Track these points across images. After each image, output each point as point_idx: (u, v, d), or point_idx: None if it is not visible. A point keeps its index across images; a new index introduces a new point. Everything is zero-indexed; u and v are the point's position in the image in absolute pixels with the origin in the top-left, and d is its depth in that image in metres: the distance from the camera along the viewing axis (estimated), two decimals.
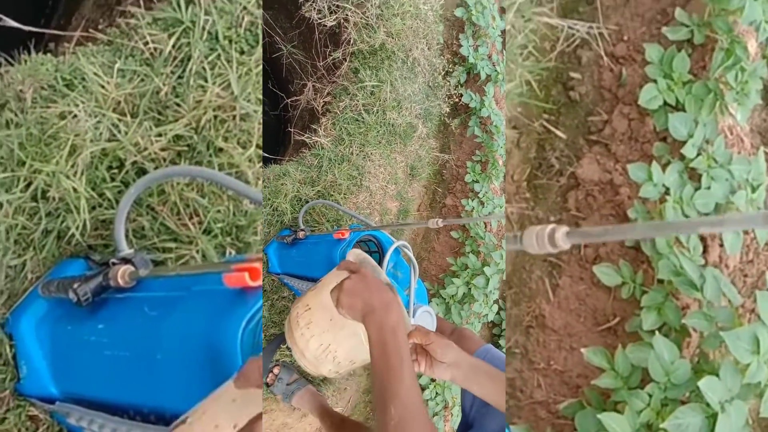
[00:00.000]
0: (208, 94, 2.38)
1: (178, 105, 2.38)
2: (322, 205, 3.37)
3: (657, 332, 3.19)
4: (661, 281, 3.39)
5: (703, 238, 3.59)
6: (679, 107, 3.46)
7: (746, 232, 3.67)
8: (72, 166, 2.16)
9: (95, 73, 2.30)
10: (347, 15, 3.58)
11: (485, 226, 4.35)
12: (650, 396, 3.09)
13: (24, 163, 2.14)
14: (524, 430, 3.35)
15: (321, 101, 3.69)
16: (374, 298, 1.59)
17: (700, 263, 3.40)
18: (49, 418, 2.15)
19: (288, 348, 3.06)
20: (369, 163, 3.62)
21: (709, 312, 3.23)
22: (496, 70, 4.43)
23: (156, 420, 1.68)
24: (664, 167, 3.45)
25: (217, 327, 1.52)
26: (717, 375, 3.04)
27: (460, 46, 4.37)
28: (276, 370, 3.23)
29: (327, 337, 1.78)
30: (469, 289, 4.05)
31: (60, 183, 2.13)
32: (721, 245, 3.53)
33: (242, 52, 2.52)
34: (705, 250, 3.58)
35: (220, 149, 2.41)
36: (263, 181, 3.15)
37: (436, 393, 3.94)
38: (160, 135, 2.33)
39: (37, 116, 2.21)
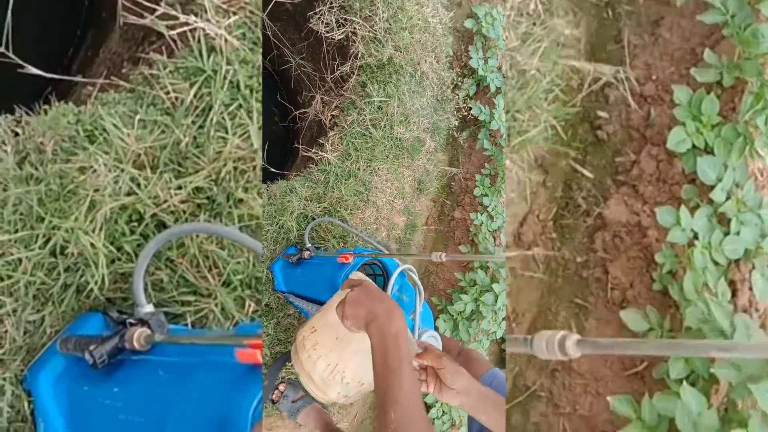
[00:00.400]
0: (228, 146, 2.37)
1: (197, 156, 2.37)
2: (328, 222, 3.35)
3: (684, 382, 3.13)
4: (689, 328, 3.33)
5: (732, 282, 3.53)
6: (708, 150, 3.40)
7: None
8: (91, 222, 2.15)
9: (115, 125, 2.30)
10: (355, 28, 3.57)
11: (494, 241, 4.31)
12: None
13: (43, 219, 2.14)
14: None
15: (329, 114, 3.69)
16: (377, 307, 1.62)
17: (729, 309, 3.34)
18: None
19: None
20: (376, 178, 3.61)
21: (738, 362, 3.17)
22: (506, 83, 4.40)
23: None
24: (692, 211, 3.39)
25: (230, 403, 1.50)
26: (746, 427, 2.98)
27: (469, 58, 4.34)
28: (282, 387, 3.22)
29: (333, 357, 1.80)
30: (478, 305, 4.01)
31: (79, 239, 2.12)
32: (750, 289, 3.47)
33: (262, 101, 2.51)
34: (734, 294, 3.53)
35: (240, 200, 2.40)
36: (269, 198, 3.15)
37: (443, 412, 3.92)
38: (180, 188, 2.32)
39: (57, 170, 2.21)
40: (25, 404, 2.10)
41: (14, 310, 2.12)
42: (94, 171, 2.21)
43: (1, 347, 2.10)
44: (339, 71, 3.74)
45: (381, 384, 1.46)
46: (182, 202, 2.33)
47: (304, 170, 3.52)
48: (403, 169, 3.86)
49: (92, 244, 2.14)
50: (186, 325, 2.31)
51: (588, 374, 3.56)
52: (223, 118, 2.40)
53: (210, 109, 2.43)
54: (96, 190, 2.18)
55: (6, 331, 2.11)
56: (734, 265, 3.51)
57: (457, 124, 4.32)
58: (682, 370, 3.31)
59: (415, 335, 2.14)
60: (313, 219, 3.29)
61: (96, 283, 2.17)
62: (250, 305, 2.39)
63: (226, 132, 2.39)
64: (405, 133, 3.73)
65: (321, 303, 2.69)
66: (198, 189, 2.36)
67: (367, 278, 2.00)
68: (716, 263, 3.41)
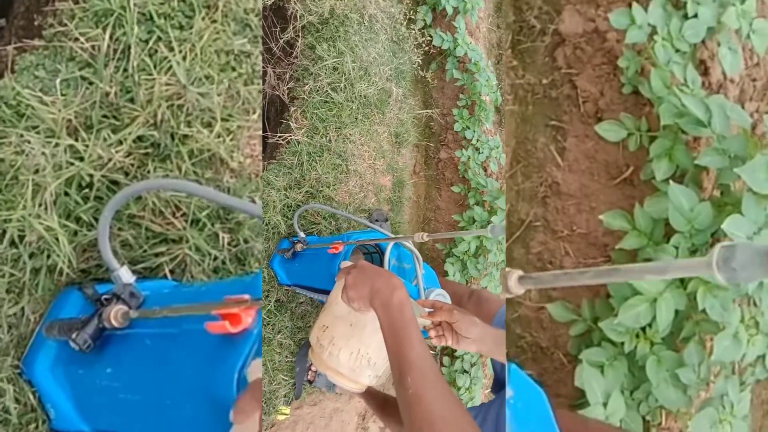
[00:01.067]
0: (157, 86, 2.29)
1: (131, 102, 2.30)
2: (312, 209, 3.29)
3: (671, 181, 3.12)
4: (666, 126, 3.30)
5: (702, 62, 3.47)
6: None
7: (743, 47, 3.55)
8: (40, 205, 2.11)
9: (38, 96, 2.22)
10: None
11: (485, 172, 4.24)
12: (677, 248, 3.06)
13: None
14: (561, 306, 3.35)
15: (284, 88, 3.50)
16: (377, 282, 1.65)
17: (701, 96, 3.29)
18: None
19: None
20: (350, 145, 3.49)
21: (721, 146, 3.15)
22: (463, 0, 4.20)
23: None
24: (645, 5, 3.30)
25: (212, 379, 1.50)
26: (740, 211, 2.99)
27: None
28: (314, 368, 3.31)
29: (354, 344, 1.81)
30: (481, 241, 3.99)
31: (32, 226, 2.08)
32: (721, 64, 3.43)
33: (181, 28, 2.40)
34: (706, 73, 3.48)
35: (185, 136, 2.34)
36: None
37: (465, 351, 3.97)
38: (120, 142, 2.26)
39: None
40: (30, 395, 2.11)
41: None
42: (29, 152, 2.14)
43: None
44: (283, 38, 3.54)
45: (394, 352, 1.50)
46: (127, 154, 2.28)
47: (275, 158, 3.38)
48: (376, 127, 3.72)
49: (48, 227, 2.11)
50: (165, 276, 2.30)
51: (578, 192, 3.55)
52: (144, 59, 2.31)
53: (129, 50, 2.34)
54: (36, 172, 2.12)
55: None
56: (700, 45, 3.44)
57: (420, 61, 4.14)
58: (667, 169, 3.30)
59: (423, 297, 2.21)
60: (299, 207, 3.21)
61: (64, 262, 2.14)
62: (224, 237, 2.37)
63: (151, 73, 2.31)
64: (368, 88, 3.57)
65: (326, 292, 2.72)
66: (139, 138, 2.30)
67: (362, 259, 2.00)
68: (680, 51, 3.35)
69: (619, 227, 3.22)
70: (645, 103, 3.49)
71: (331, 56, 3.41)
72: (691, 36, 3.32)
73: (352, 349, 1.81)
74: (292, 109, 3.43)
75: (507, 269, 1.14)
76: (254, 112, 2.50)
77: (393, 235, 2.33)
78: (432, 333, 1.83)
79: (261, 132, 2.54)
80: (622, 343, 3.10)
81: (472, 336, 1.83)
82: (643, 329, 3.08)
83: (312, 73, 3.44)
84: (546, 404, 1.58)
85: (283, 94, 3.51)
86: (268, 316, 3.02)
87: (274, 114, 3.81)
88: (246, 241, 2.43)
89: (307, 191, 3.28)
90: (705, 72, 3.46)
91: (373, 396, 3.26)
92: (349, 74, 3.48)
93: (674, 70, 3.28)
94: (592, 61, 3.55)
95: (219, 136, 2.40)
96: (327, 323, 1.87)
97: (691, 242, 3.05)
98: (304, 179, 3.27)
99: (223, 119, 2.41)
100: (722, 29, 3.38)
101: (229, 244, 2.39)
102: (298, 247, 2.84)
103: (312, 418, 3.28)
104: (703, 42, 3.41)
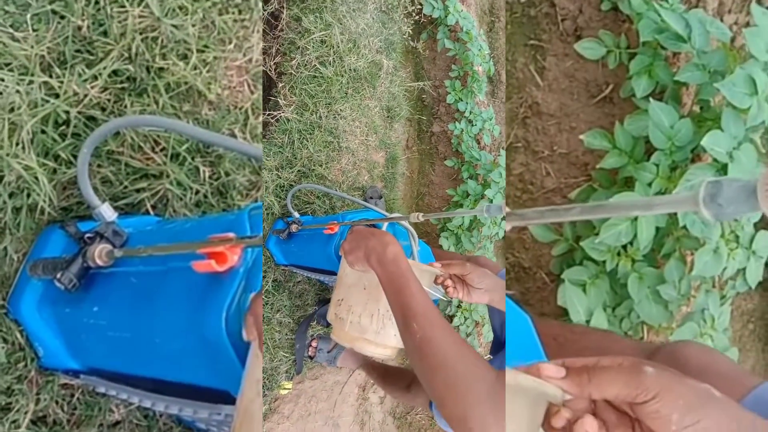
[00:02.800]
0: (130, 18, 2.24)
1: (104, 36, 2.26)
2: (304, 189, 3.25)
3: (651, 98, 3.12)
4: (646, 43, 3.29)
5: None
6: None
7: None
8: (17, 144, 2.08)
9: (6, 31, 2.17)
10: None
11: (478, 145, 4.19)
12: (657, 165, 3.07)
13: None
14: (543, 227, 3.37)
15: (271, 63, 3.41)
16: (370, 241, 1.70)
17: (680, 11, 3.27)
18: (81, 381, 2.20)
19: (325, 326, 3.15)
20: (341, 121, 3.42)
21: (700, 61, 3.14)
22: None
23: (179, 391, 1.71)
24: None
25: (201, 317, 1.51)
26: (719, 127, 2.99)
27: None
28: (314, 343, 3.36)
29: (372, 305, 1.84)
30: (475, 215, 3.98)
31: (10, 165, 2.06)
32: None
33: None
34: None
35: (161, 69, 2.31)
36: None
37: (465, 318, 3.99)
38: (95, 77, 2.22)
39: None
40: (17, 334, 2.12)
41: None
42: (3, 90, 2.11)
43: None
44: (267, 10, 3.42)
45: (396, 303, 1.52)
46: (103, 90, 2.24)
47: (264, 137, 3.29)
48: (367, 101, 3.63)
49: (26, 166, 2.09)
50: (147, 212, 2.29)
51: (558, 112, 3.55)
52: None
53: None
54: (11, 110, 2.09)
55: None
56: None
57: (410, 31, 4.03)
58: (647, 86, 3.30)
59: None
60: (291, 187, 3.17)
61: (44, 200, 2.13)
62: (205, 171, 2.35)
63: (124, 2, 2.26)
64: (357, 60, 3.48)
65: (323, 271, 2.77)
66: (115, 72, 2.27)
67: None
68: None
69: (600, 146, 3.23)
70: (624, 20, 3.47)
71: (318, 28, 3.33)
72: None
73: (372, 310, 1.83)
74: (280, 85, 3.36)
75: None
76: (230, 42, 2.46)
77: (389, 215, 2.33)
78: (448, 283, 1.84)
79: (238, 62, 2.50)
80: (604, 262, 3.14)
81: (484, 286, 1.85)
82: (624, 247, 3.11)
83: (299, 47, 3.36)
84: (531, 328, 1.60)
85: (270, 70, 3.43)
86: (266, 296, 3.04)
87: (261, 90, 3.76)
88: (227, 174, 2.41)
89: (299, 170, 3.25)
90: None
91: (374, 367, 3.36)
92: (338, 47, 3.41)
93: None
94: None
95: (195, 68, 2.36)
96: (341, 296, 1.90)
97: (671, 159, 3.06)
98: (296, 158, 3.24)
99: (198, 50, 2.37)
100: None
101: (210, 177, 2.37)
102: (294, 227, 2.84)
103: (314, 391, 3.33)
104: None
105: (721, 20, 3.45)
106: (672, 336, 3.16)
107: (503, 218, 4.09)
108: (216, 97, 2.41)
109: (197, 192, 2.35)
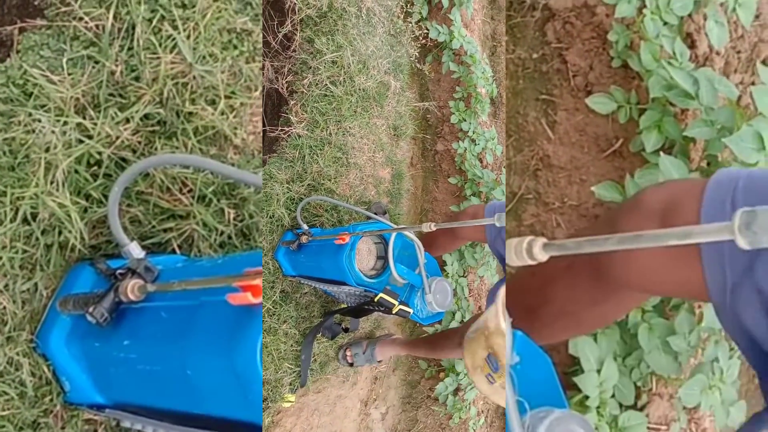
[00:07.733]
0: (162, 64, 2.32)
1: (136, 81, 2.34)
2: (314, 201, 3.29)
3: (661, 153, 3.18)
4: (655, 99, 3.36)
5: (689, 35, 3.53)
6: None
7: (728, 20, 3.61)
8: (52, 183, 2.15)
9: (45, 75, 2.25)
10: None
11: (480, 164, 4.27)
12: None
13: (5, 193, 2.13)
14: None
15: (284, 82, 3.51)
16: None
17: (689, 69, 3.35)
18: (105, 417, 2.23)
19: (330, 338, 3.19)
20: (350, 138, 3.49)
21: (708, 117, 3.21)
22: None
23: (206, 424, 1.74)
24: None
25: (234, 349, 1.55)
26: None
27: None
28: (349, 352, 3.40)
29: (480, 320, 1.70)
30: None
31: (45, 203, 2.12)
32: (707, 36, 3.49)
33: (184, 6, 2.43)
34: (693, 46, 3.54)
35: (190, 113, 2.38)
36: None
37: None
38: (128, 120, 2.29)
39: (3, 140, 2.18)
40: (45, 368, 2.16)
41: (5, 286, 2.14)
42: (40, 131, 2.18)
43: (4, 324, 2.14)
44: (281, 31, 3.54)
45: None
46: (134, 133, 2.31)
47: (275, 151, 3.38)
48: (375, 120, 3.72)
49: (60, 204, 2.15)
50: (173, 251, 2.35)
51: (569, 165, 3.61)
52: (149, 38, 2.35)
53: (134, 29, 2.37)
54: (47, 150, 2.16)
55: (5, 307, 2.14)
56: (687, 18, 3.50)
57: (417, 54, 4.14)
58: (656, 140, 3.36)
59: (426, 286, 2.32)
60: (301, 200, 3.23)
61: (75, 238, 2.19)
62: (229, 213, 2.41)
63: (156, 51, 2.34)
64: (367, 81, 3.57)
65: (333, 281, 2.79)
66: (146, 116, 2.34)
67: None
68: (668, 24, 3.41)
69: (611, 198, 3.28)
70: (634, 77, 3.55)
71: (330, 50, 3.42)
72: (680, 9, 3.39)
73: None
74: (292, 102, 3.42)
75: (530, 238, 1.18)
76: (256, 90, 2.54)
77: (400, 226, 2.37)
78: None
79: (262, 109, 2.58)
80: None
81: None
82: None
83: (311, 67, 3.44)
84: (552, 370, 1.63)
85: (281, 88, 3.52)
86: (273, 307, 3.06)
87: (271, 107, 3.82)
88: (251, 216, 2.47)
89: (309, 184, 3.30)
90: (692, 45, 3.53)
91: (414, 344, 3.38)
92: (348, 68, 3.48)
93: (663, 43, 3.34)
94: (582, 36, 3.60)
95: (223, 113, 2.44)
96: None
97: None
98: (306, 172, 3.28)
99: (226, 96, 2.45)
100: (709, 2, 3.44)
101: (234, 219, 2.43)
102: (304, 239, 2.88)
103: (317, 404, 3.34)
104: (690, 15, 3.47)
105: (728, 79, 3.54)
106: (681, 388, 3.18)
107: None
108: (241, 142, 2.48)
109: (222, 233, 2.41)
